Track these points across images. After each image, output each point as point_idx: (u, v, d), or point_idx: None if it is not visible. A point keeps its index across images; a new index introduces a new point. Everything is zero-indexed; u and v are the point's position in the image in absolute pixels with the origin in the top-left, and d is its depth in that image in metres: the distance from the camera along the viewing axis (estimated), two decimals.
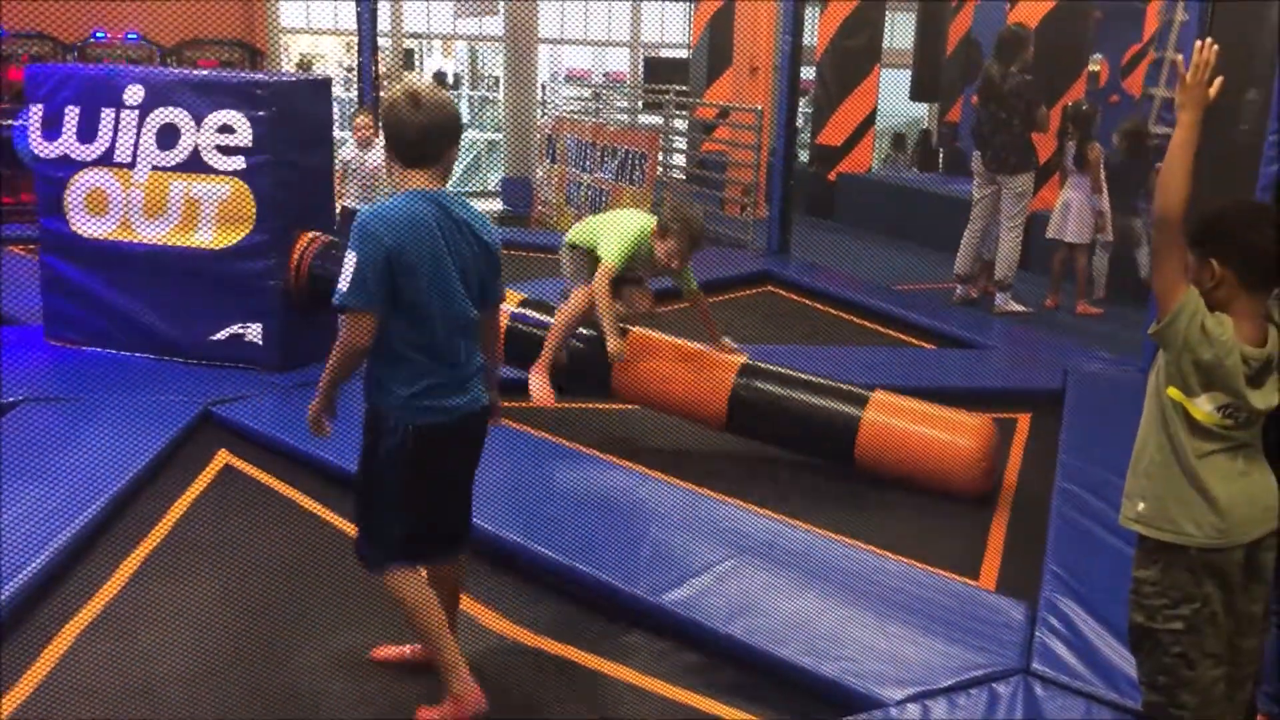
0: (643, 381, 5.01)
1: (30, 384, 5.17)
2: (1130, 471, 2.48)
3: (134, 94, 5.51)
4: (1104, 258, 7.73)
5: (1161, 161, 2.39)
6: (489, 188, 16.58)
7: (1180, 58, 8.40)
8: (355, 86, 9.34)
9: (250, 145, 5.44)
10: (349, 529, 4.11)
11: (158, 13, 12.28)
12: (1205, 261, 2.36)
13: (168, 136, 5.51)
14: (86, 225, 5.63)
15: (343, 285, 2.74)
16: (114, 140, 5.54)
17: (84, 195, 5.60)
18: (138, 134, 5.52)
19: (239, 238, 5.52)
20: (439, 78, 20.67)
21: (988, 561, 4.06)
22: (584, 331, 5.07)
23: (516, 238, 10.00)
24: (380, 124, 2.38)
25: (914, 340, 6.96)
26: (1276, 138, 4.41)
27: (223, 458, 4.71)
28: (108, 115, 5.53)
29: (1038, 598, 3.52)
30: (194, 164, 5.50)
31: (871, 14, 11.65)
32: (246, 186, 5.47)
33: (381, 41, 9.57)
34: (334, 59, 19.51)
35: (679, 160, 12.55)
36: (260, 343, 5.58)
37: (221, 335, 5.59)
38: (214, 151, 5.48)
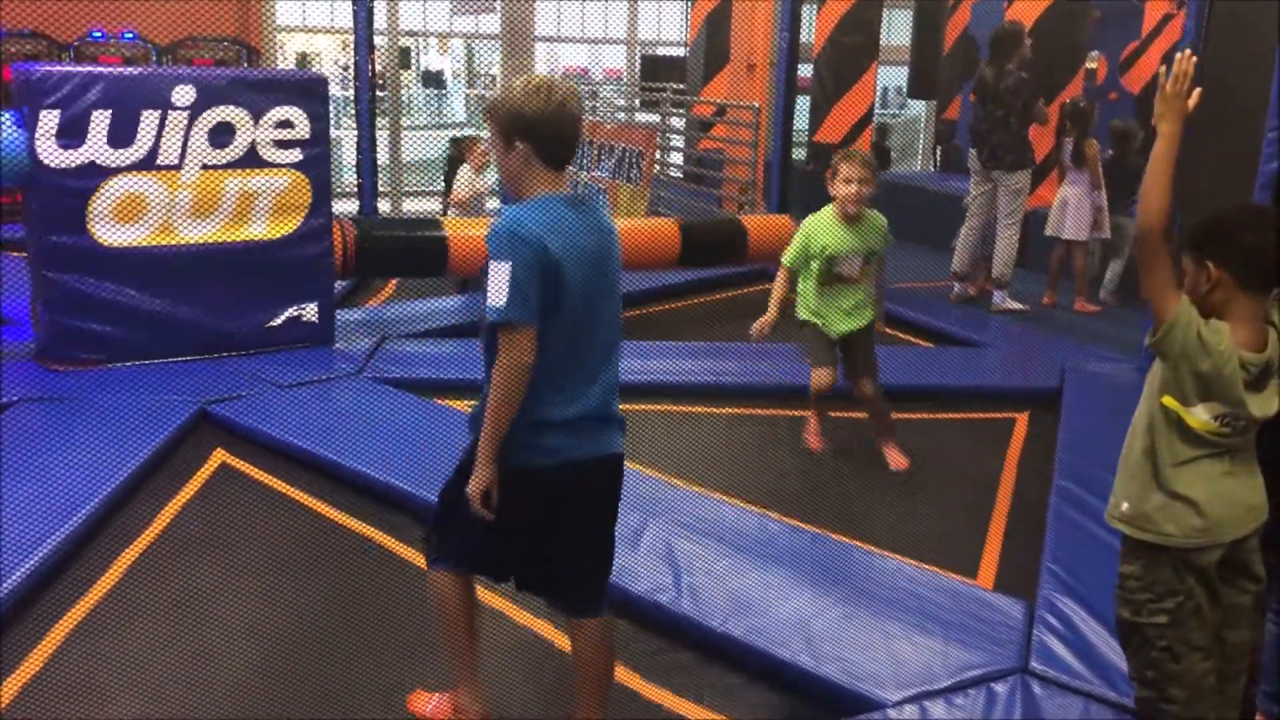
0: None
1: (27, 384, 5.16)
2: (1119, 469, 2.48)
3: (183, 94, 5.48)
4: (1119, 264, 7.70)
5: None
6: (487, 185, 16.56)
7: (1163, 69, 8.39)
8: (352, 85, 9.30)
9: (308, 138, 5.85)
10: (346, 524, 4.12)
11: (153, 11, 12.26)
12: (1202, 264, 2.35)
13: (222, 135, 5.64)
14: (115, 235, 5.40)
15: (498, 299, 2.41)
16: (157, 142, 5.45)
17: (114, 203, 5.37)
18: (186, 134, 5.52)
19: (295, 226, 5.89)
20: (435, 77, 20.68)
21: (985, 560, 4.05)
22: None
23: None
24: (504, 123, 2.18)
25: (912, 338, 6.96)
26: (1276, 134, 4.40)
27: (219, 456, 4.70)
28: (150, 117, 5.42)
29: (1036, 596, 3.52)
30: (250, 159, 5.71)
31: (868, 11, 11.63)
32: (305, 177, 5.88)
33: (378, 39, 9.54)
34: (330, 57, 19.49)
35: (676, 158, 12.54)
36: (316, 320, 6.04)
37: (279, 320, 5.93)
38: (271, 146, 5.76)
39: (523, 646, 3.37)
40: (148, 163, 5.44)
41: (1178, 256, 2.39)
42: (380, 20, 12.31)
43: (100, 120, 5.30)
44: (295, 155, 5.83)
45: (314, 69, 18.41)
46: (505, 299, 2.41)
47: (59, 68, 5.35)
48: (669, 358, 6.14)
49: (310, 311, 6.00)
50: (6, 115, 5.19)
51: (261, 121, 5.72)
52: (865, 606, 3.46)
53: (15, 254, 7.88)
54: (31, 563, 3.51)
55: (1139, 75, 11.69)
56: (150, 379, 5.30)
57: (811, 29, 11.72)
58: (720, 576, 3.60)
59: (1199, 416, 2.33)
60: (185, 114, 5.51)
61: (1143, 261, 2.34)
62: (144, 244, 5.49)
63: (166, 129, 5.47)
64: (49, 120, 5.19)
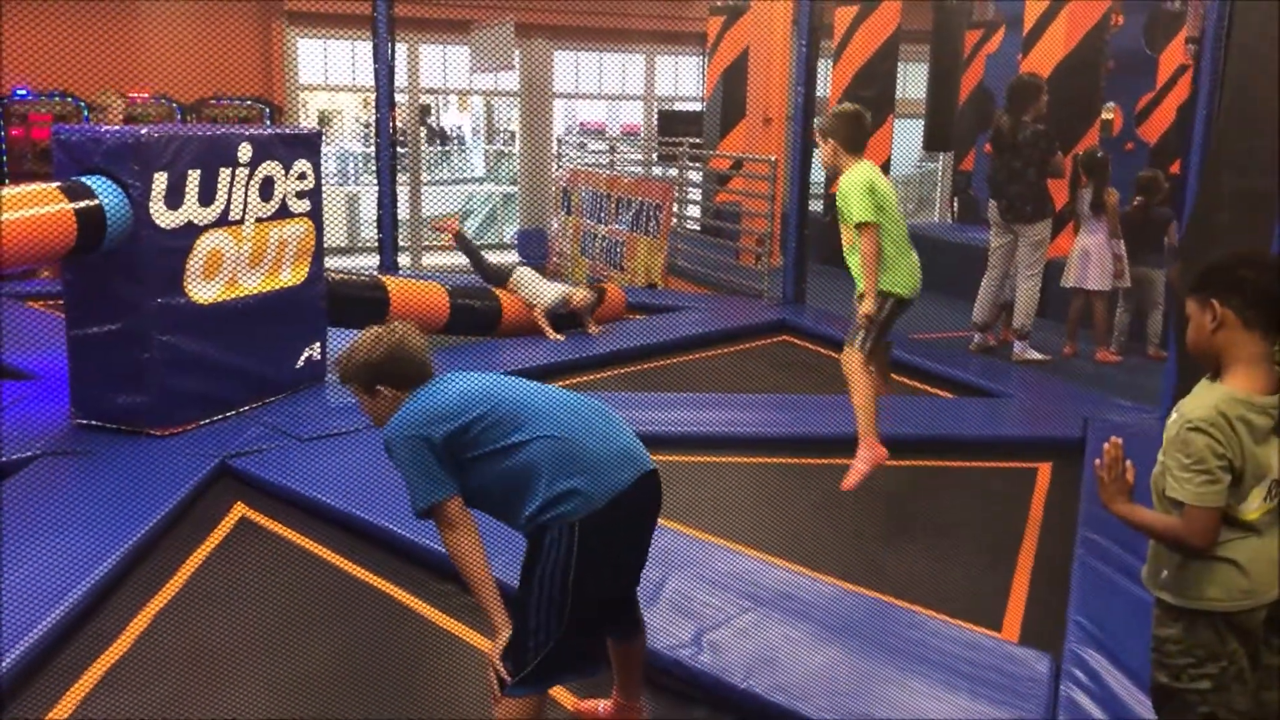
0: None
1: (49, 438, 5.19)
2: (1152, 542, 2.45)
3: (245, 152, 5.63)
4: (1157, 315, 7.66)
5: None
6: (505, 240, 16.69)
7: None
8: (373, 141, 9.43)
9: (313, 187, 6.17)
10: (367, 579, 4.11)
11: (179, 70, 12.49)
12: (1207, 303, 2.37)
13: (267, 188, 5.83)
14: (203, 291, 5.47)
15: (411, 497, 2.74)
16: (229, 199, 5.58)
17: (203, 261, 5.45)
18: (246, 189, 5.67)
19: (308, 270, 6.21)
20: (446, 134, 20.88)
21: (1010, 613, 4.00)
22: None
23: None
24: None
25: (932, 389, 6.93)
26: None
27: (239, 510, 4.71)
28: (225, 175, 5.54)
29: (1062, 649, 3.47)
30: (282, 210, 5.96)
31: (884, 65, 11.74)
32: (313, 224, 6.21)
33: (398, 97, 9.68)
34: (351, 114, 19.75)
35: (694, 211, 12.61)
36: (320, 358, 6.33)
37: (301, 361, 6.19)
38: (294, 197, 6.04)
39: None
40: (223, 219, 5.56)
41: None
42: (401, 78, 12.48)
43: (193, 180, 5.37)
44: (307, 204, 6.15)
45: (334, 126, 18.75)
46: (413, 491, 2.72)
47: (162, 130, 5.37)
48: (689, 409, 6.13)
49: (316, 350, 6.31)
50: (96, 180, 5.10)
51: (290, 174, 5.98)
52: (889, 661, 3.42)
53: (37, 306, 8.00)
54: (53, 616, 3.51)
55: (1155, 125, 11.73)
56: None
57: (828, 83, 11.84)
58: (742, 631, 3.56)
59: (1252, 506, 2.32)
60: (246, 170, 5.67)
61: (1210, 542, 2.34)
62: (220, 299, 5.57)
63: (235, 186, 5.61)
64: (160, 182, 5.21)
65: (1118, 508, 2.41)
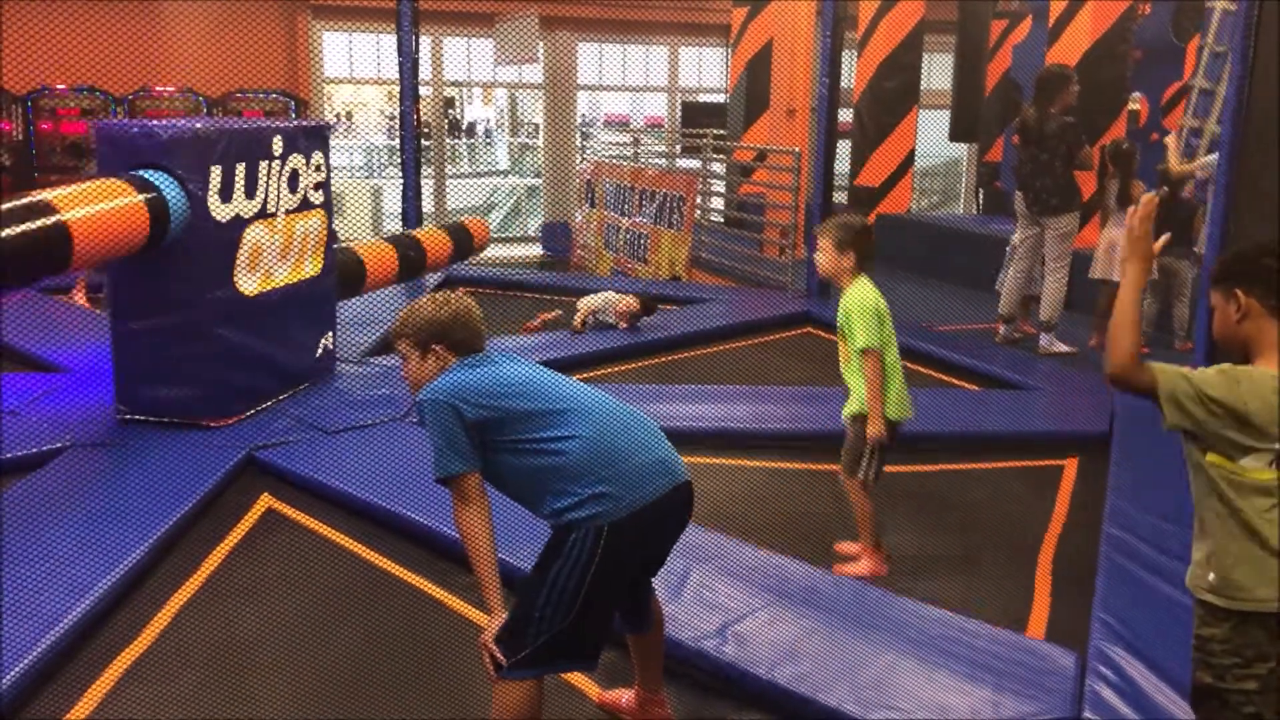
0: None
1: (77, 429, 5.24)
2: (1195, 535, 2.41)
3: (278, 145, 5.67)
4: (1182, 307, 7.60)
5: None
6: (529, 233, 16.72)
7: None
8: (398, 134, 9.46)
9: (324, 179, 6.18)
10: (392, 571, 4.14)
11: (205, 65, 12.58)
12: (1231, 294, 2.36)
13: (294, 180, 5.87)
14: (248, 283, 5.52)
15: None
16: (267, 192, 5.63)
17: (249, 253, 5.50)
18: (279, 182, 5.72)
19: (323, 260, 6.21)
20: (461, 127, 20.92)
21: (1036, 608, 3.98)
22: None
23: (556, 282, 10.07)
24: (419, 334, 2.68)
25: (958, 381, 6.90)
26: None
27: (266, 501, 4.74)
28: (264, 168, 5.58)
29: (1087, 645, 3.45)
30: (304, 202, 5.99)
31: (909, 56, 11.68)
32: (326, 215, 6.22)
33: (423, 90, 9.70)
34: (376, 107, 19.83)
35: (717, 203, 12.60)
36: (332, 348, 6.40)
37: (319, 351, 6.25)
38: (313, 189, 6.07)
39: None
40: (263, 212, 5.61)
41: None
42: (425, 71, 12.51)
43: (240, 173, 5.41)
44: (322, 196, 6.18)
45: (356, 120, 18.86)
46: (434, 458, 2.72)
47: (213, 124, 5.39)
48: (711, 402, 6.13)
49: (329, 339, 6.37)
50: (154, 175, 5.10)
51: (309, 166, 6.01)
52: (913, 654, 3.41)
53: (61, 299, 8.08)
54: (82, 608, 3.55)
55: (1182, 116, 11.62)
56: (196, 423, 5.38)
57: (852, 74, 11.80)
58: (766, 624, 3.56)
59: (1251, 469, 2.28)
60: (279, 163, 5.71)
61: (1121, 387, 2.36)
62: (259, 291, 5.62)
63: (270, 179, 5.65)
64: (215, 176, 5.25)
65: (1131, 268, 2.38)
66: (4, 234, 4.42)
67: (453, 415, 2.69)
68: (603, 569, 2.66)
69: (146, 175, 5.07)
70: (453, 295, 2.94)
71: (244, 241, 5.46)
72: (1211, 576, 2.35)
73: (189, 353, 5.30)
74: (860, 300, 4.23)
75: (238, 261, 5.43)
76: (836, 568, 4.27)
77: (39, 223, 4.57)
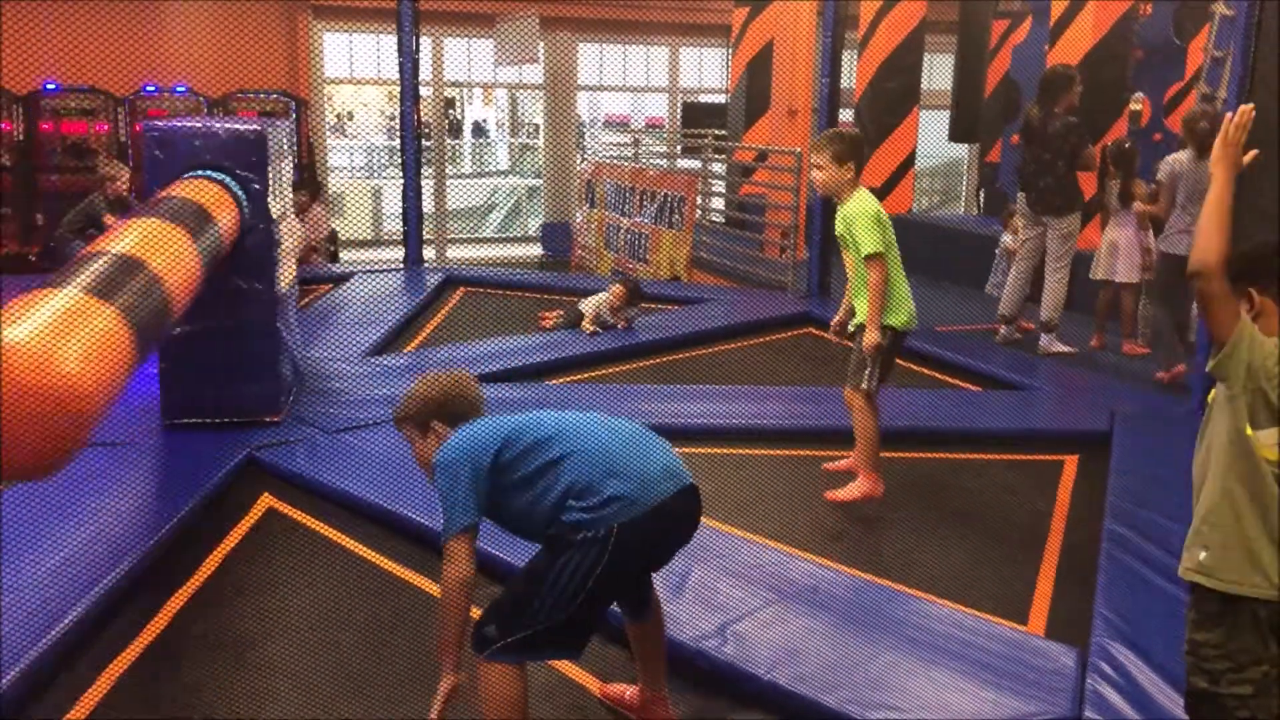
0: None
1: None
2: (1194, 517, 2.41)
3: (276, 145, 5.68)
4: (1148, 306, 7.59)
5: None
6: (529, 233, 16.72)
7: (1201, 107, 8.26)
8: (398, 135, 9.45)
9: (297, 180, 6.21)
10: (393, 570, 4.13)
11: (205, 65, 12.58)
12: (1244, 293, 2.35)
13: (289, 181, 5.92)
14: (282, 280, 5.60)
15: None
16: (282, 191, 5.70)
17: (282, 251, 5.61)
18: (284, 182, 5.79)
19: (295, 265, 6.17)
20: (479, 127, 20.96)
21: (1036, 606, 3.98)
22: None
23: (556, 282, 10.07)
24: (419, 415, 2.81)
25: (958, 382, 6.90)
26: None
27: (266, 501, 4.74)
28: (285, 167, 5.68)
29: (1089, 643, 3.45)
30: (291, 206, 6.06)
31: (910, 56, 11.68)
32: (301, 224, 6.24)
33: (423, 90, 9.70)
34: (376, 108, 19.84)
35: (718, 204, 12.59)
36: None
37: (296, 351, 6.12)
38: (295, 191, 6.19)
39: (537, 693, 3.35)
40: (285, 212, 5.68)
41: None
42: (425, 71, 12.52)
43: (275, 173, 5.45)
44: (303, 198, 6.41)
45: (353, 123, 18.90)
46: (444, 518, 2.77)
47: (259, 124, 5.42)
48: (713, 401, 6.13)
49: (298, 340, 6.32)
50: (217, 176, 5.10)
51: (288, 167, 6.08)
52: (913, 653, 3.40)
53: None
54: (80, 608, 3.54)
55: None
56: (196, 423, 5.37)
57: (853, 74, 11.79)
58: (766, 623, 3.56)
59: (1266, 443, 2.27)
60: (287, 163, 5.78)
61: (1203, 297, 2.32)
62: (285, 289, 5.68)
63: (283, 178, 5.71)
64: (271, 175, 5.31)
65: (1220, 173, 2.38)
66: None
67: (463, 469, 2.77)
68: (610, 567, 2.68)
69: (213, 176, 5.06)
70: (443, 372, 3.06)
71: (282, 240, 5.58)
72: (1203, 555, 2.34)
73: (256, 351, 5.39)
74: (862, 208, 4.32)
75: (280, 260, 5.54)
76: (828, 494, 4.24)
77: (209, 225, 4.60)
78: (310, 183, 9.52)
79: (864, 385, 4.38)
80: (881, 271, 4.31)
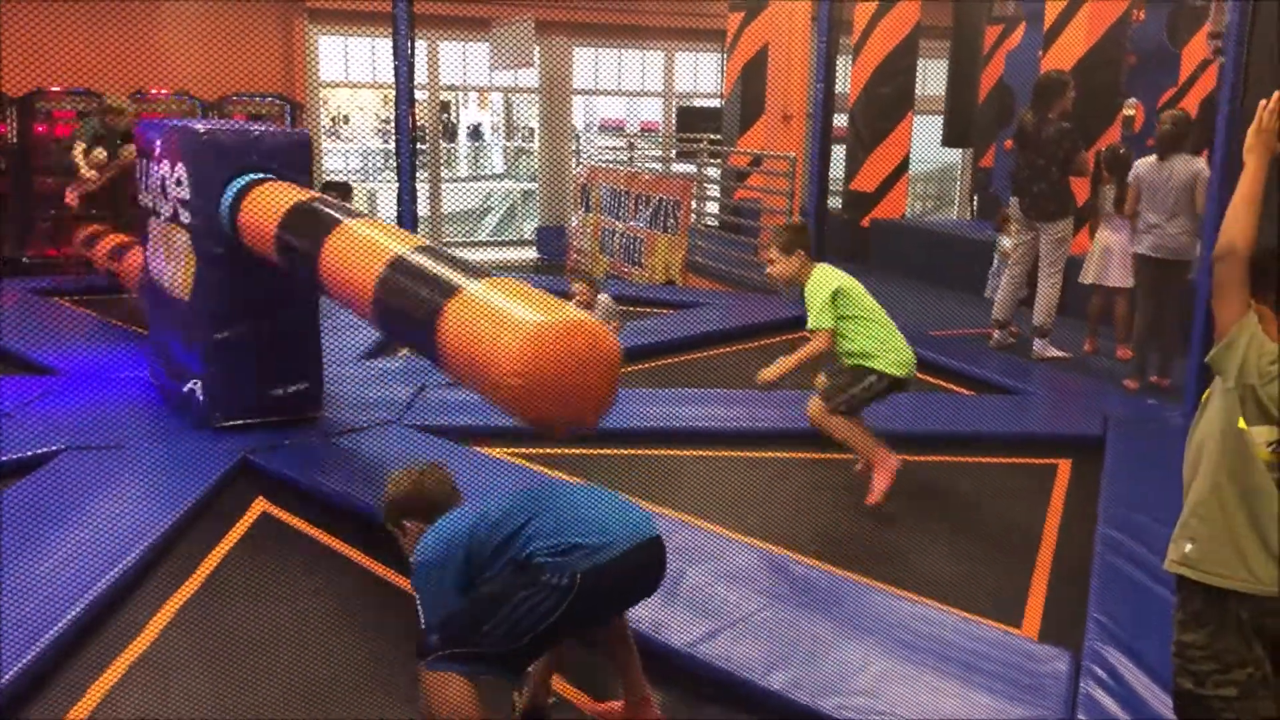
0: None
1: (71, 432, 5.23)
2: (1184, 509, 2.41)
3: None
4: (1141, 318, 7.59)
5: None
6: (524, 236, 16.72)
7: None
8: (393, 138, 9.44)
9: None
10: (385, 574, 4.13)
11: (200, 68, 12.56)
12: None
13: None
14: None
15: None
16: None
17: None
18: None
19: None
20: (476, 130, 20.96)
21: (1030, 609, 3.99)
22: None
23: (551, 286, 10.07)
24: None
25: (952, 386, 6.91)
26: None
27: (260, 505, 4.73)
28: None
29: (1082, 647, 3.46)
30: None
31: (904, 61, 11.70)
32: None
33: (418, 94, 9.70)
34: (372, 111, 19.83)
35: (712, 208, 12.60)
36: None
37: None
38: None
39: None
40: None
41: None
42: (421, 75, 12.52)
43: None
44: None
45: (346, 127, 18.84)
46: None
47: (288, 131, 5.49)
48: (708, 404, 6.13)
49: None
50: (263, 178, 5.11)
51: None
52: (908, 658, 3.41)
53: (65, 303, 8.07)
54: (77, 610, 3.54)
55: None
56: (190, 428, 5.36)
57: (847, 79, 11.81)
58: (760, 627, 3.56)
59: (1256, 440, 2.28)
60: None
61: (1220, 282, 2.33)
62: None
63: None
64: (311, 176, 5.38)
65: (1253, 160, 2.41)
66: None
67: (434, 571, 2.83)
68: (567, 614, 2.70)
69: (265, 179, 5.06)
70: (408, 470, 3.11)
71: None
72: (1189, 548, 2.34)
73: (299, 350, 5.50)
74: (816, 287, 4.74)
75: None
76: (869, 500, 4.65)
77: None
78: (339, 185, 9.57)
79: (829, 404, 4.73)
80: (822, 342, 4.72)
